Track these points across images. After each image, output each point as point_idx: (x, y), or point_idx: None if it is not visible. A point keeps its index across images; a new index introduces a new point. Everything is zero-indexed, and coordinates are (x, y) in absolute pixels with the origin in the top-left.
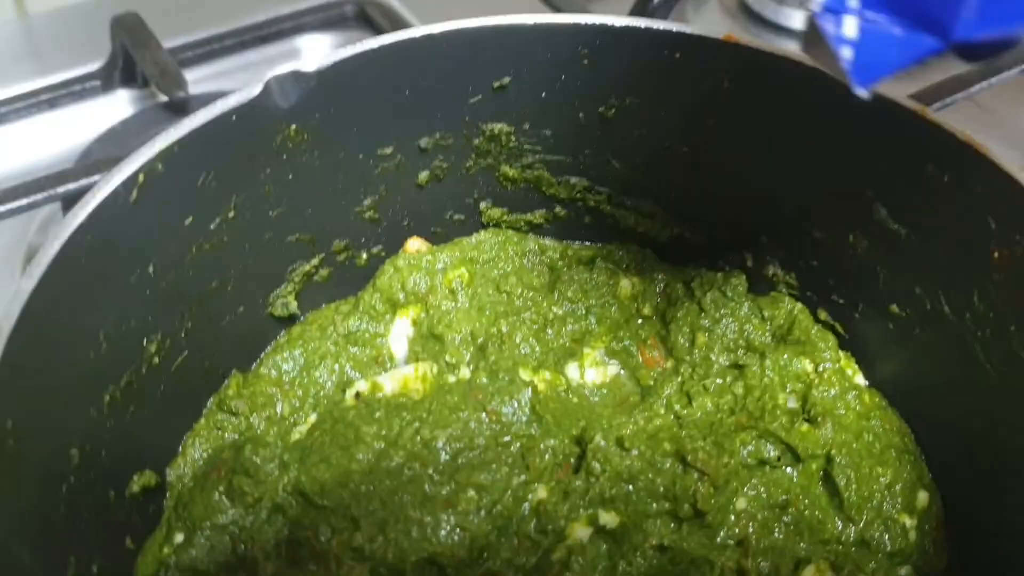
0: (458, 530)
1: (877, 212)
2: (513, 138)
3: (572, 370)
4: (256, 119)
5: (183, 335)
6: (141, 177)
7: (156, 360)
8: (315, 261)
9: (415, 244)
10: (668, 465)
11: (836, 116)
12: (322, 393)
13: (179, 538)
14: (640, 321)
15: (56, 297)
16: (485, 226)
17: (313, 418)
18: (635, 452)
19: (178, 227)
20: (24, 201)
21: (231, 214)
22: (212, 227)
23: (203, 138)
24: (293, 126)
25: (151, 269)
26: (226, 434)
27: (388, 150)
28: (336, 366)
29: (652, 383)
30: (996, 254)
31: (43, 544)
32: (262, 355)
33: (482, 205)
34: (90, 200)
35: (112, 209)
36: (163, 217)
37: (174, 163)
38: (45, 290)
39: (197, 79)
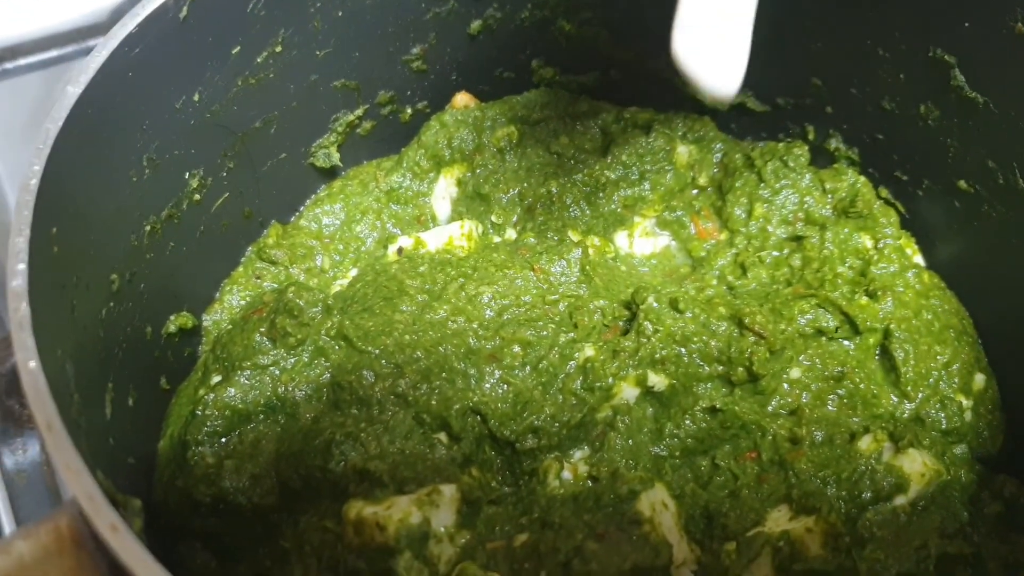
0: (502, 384)
1: (955, 78)
2: None
3: (621, 239)
4: None
5: (224, 175)
6: None
7: (197, 197)
8: (359, 112)
9: (463, 99)
10: (723, 328)
11: None
12: (363, 248)
13: (216, 379)
14: (695, 192)
15: (102, 108)
16: (536, 86)
17: (353, 273)
18: (689, 314)
19: (226, 55)
20: (54, 53)
21: (278, 48)
22: (259, 60)
23: None
24: None
25: (196, 97)
26: (264, 283)
27: None
28: (378, 222)
29: (704, 255)
30: None
31: (84, 362)
32: (302, 208)
33: (534, 63)
34: (140, 11)
35: (161, 23)
36: (211, 41)
37: None
38: (91, 99)
39: None
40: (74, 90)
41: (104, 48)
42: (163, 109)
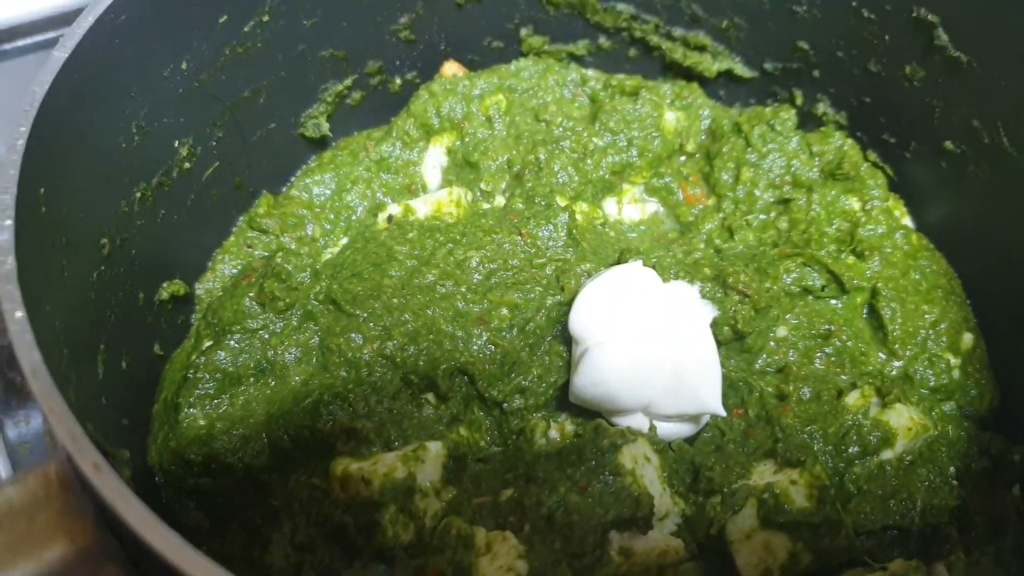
0: (490, 345)
1: (938, 38)
2: None
3: (610, 205)
4: None
5: (214, 144)
6: None
7: (187, 165)
8: (348, 82)
9: (451, 68)
10: (708, 289)
11: None
12: (353, 217)
13: (207, 344)
14: (683, 158)
15: (89, 73)
16: (525, 55)
17: (344, 241)
18: (672, 275)
19: (212, 24)
20: (51, 34)
21: (265, 18)
22: (246, 29)
23: None
24: None
25: (184, 66)
26: (256, 252)
27: None
28: (368, 192)
29: (692, 220)
30: None
31: (74, 321)
32: (293, 178)
33: (523, 32)
34: None
35: None
36: (198, 10)
37: None
38: (78, 63)
39: None
40: (60, 55)
41: (90, 14)
42: (151, 76)
